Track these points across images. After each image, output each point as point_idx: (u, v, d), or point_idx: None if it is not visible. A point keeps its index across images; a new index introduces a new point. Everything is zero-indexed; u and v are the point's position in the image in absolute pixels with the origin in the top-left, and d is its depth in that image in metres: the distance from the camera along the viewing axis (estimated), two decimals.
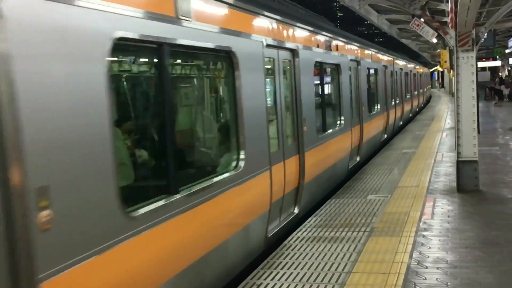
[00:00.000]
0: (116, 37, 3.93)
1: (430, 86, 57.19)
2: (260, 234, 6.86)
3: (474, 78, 9.87)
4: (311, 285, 5.64)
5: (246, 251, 6.41)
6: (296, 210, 8.29)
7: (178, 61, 5.87)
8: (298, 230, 7.77)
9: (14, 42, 3.05)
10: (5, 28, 2.99)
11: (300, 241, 7.19)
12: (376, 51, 16.78)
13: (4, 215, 2.98)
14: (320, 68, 10.17)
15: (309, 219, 8.37)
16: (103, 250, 3.66)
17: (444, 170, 11.96)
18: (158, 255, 4.42)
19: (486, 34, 18.45)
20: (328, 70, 11.05)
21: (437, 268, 5.99)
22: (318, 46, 9.87)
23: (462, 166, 9.81)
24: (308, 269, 6.10)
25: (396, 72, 21.26)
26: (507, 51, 38.72)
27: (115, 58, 4.51)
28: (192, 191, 5.04)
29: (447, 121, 24.13)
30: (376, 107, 16.30)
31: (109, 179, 3.77)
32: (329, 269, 6.06)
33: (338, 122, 11.34)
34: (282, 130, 7.76)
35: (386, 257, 6.36)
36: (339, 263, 6.23)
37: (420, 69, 36.98)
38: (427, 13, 13.38)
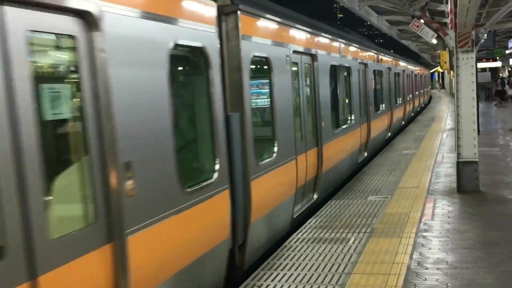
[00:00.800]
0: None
1: (430, 87, 57.25)
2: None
3: (474, 79, 9.87)
4: (311, 286, 5.65)
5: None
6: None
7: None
8: (298, 231, 7.79)
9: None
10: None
11: (300, 242, 7.20)
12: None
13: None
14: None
15: (310, 220, 8.39)
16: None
17: (445, 171, 11.97)
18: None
19: (486, 35, 18.49)
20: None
21: (437, 269, 5.99)
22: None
23: (462, 167, 9.82)
24: (309, 270, 6.11)
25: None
26: (507, 51, 38.73)
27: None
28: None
29: (448, 122, 24.14)
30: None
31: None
32: (329, 270, 6.07)
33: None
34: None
35: (386, 258, 6.37)
36: (339, 264, 6.24)
37: (421, 70, 37.00)
38: (427, 14, 13.38)
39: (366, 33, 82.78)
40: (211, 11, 5.73)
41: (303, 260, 6.47)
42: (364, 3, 17.19)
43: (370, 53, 15.40)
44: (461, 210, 8.62)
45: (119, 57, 4.05)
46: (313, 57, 9.50)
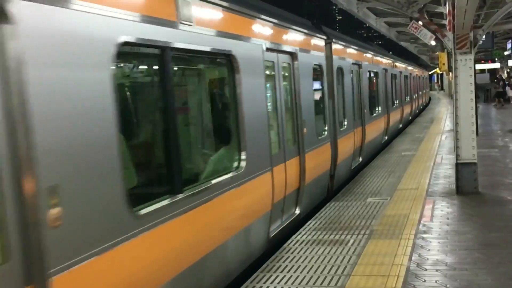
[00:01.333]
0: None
1: (429, 88, 57.32)
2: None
3: (472, 81, 9.89)
4: None
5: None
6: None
7: None
8: (298, 233, 7.79)
9: None
10: None
11: (299, 244, 7.20)
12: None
13: None
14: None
15: (309, 222, 8.39)
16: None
17: (444, 173, 11.98)
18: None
19: (484, 36, 18.51)
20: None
21: (437, 270, 6.00)
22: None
23: (461, 168, 9.83)
24: (308, 272, 6.11)
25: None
26: (506, 53, 38.78)
27: None
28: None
29: (447, 124, 24.16)
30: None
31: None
32: (328, 272, 6.07)
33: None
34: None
35: (385, 259, 6.38)
36: (339, 266, 6.25)
37: (419, 72, 37.05)
38: (425, 15, 13.41)
39: (365, 35, 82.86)
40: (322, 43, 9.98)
41: (302, 262, 6.47)
42: (362, 5, 17.22)
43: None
44: (460, 212, 8.63)
45: None
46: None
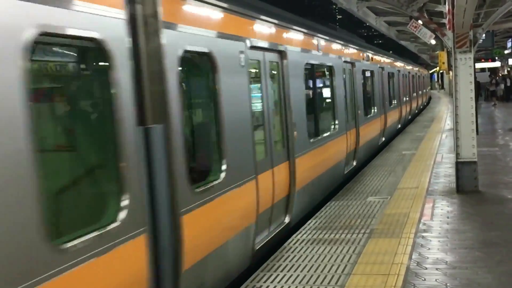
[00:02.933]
0: None
1: (429, 87, 57.29)
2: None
3: (472, 79, 9.89)
4: (311, 287, 5.65)
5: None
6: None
7: None
8: (298, 232, 7.80)
9: None
10: None
11: (300, 243, 7.21)
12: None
13: None
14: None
15: (309, 221, 8.39)
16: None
17: (444, 171, 11.98)
18: None
19: (484, 35, 18.49)
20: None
21: (437, 269, 6.00)
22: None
23: (461, 167, 9.83)
24: (308, 271, 6.12)
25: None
26: (506, 51, 38.74)
27: None
28: None
29: (447, 122, 24.15)
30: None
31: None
32: (328, 271, 6.08)
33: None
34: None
35: (385, 258, 6.38)
36: (339, 265, 6.25)
37: (419, 70, 37.04)
38: (425, 14, 13.41)
39: (365, 34, 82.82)
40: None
41: (302, 261, 6.48)
42: (362, 4, 17.21)
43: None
44: (460, 210, 8.64)
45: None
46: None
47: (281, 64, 8.14)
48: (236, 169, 6.10)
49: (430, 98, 49.99)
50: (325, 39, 10.86)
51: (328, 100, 11.25)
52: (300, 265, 6.36)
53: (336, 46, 11.85)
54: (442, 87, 73.65)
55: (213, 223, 5.55)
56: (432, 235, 7.27)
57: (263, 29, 7.47)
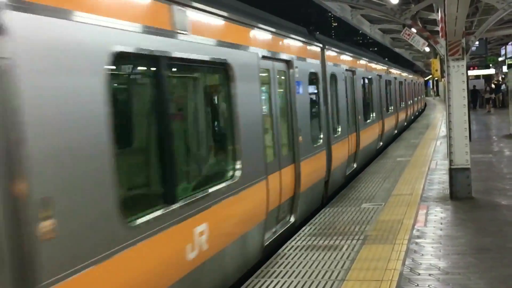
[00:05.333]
0: None
1: (425, 94, 57.54)
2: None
3: (465, 87, 9.98)
4: None
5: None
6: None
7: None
8: (292, 239, 7.83)
9: None
10: None
11: (294, 250, 7.25)
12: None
13: None
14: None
15: (304, 228, 8.43)
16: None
17: (438, 178, 12.05)
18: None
19: (477, 43, 18.62)
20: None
21: (430, 274, 6.05)
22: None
23: (454, 173, 9.89)
24: (302, 278, 6.16)
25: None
26: (500, 59, 38.97)
27: None
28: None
29: (442, 129, 24.25)
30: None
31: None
32: (322, 277, 6.12)
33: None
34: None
35: (379, 264, 6.42)
36: (333, 271, 6.29)
37: (414, 78, 37.23)
38: (418, 22, 13.53)
39: (360, 41, 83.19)
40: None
41: (296, 268, 6.51)
42: (356, 12, 17.33)
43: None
44: (453, 217, 8.69)
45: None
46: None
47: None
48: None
49: (425, 105, 50.18)
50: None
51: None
52: (294, 271, 6.40)
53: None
54: (437, 94, 73.96)
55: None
56: (425, 241, 7.32)
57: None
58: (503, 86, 35.91)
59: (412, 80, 34.05)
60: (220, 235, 5.79)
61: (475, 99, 36.50)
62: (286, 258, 6.91)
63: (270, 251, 7.43)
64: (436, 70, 20.89)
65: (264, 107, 7.53)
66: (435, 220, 8.41)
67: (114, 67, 4.09)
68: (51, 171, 3.34)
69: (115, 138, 3.96)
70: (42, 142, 3.29)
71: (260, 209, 6.97)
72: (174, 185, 4.95)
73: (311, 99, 10.00)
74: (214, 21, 6.04)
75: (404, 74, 29.54)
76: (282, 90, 8.50)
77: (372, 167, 14.27)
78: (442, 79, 23.92)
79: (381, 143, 18.43)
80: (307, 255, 6.98)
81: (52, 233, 3.31)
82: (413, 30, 13.47)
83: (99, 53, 3.88)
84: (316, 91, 10.42)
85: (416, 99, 35.94)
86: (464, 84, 9.92)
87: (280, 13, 11.14)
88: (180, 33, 5.14)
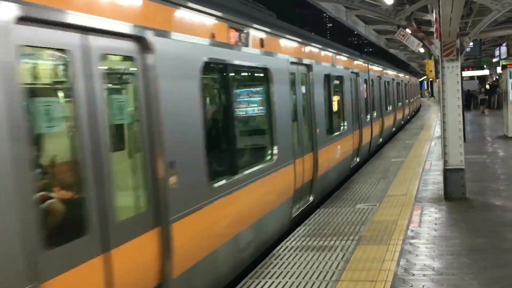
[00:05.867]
0: None
1: (419, 95, 57.70)
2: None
3: (459, 87, 10.00)
4: None
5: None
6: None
7: None
8: (287, 239, 7.83)
9: None
10: None
11: (288, 251, 7.24)
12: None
13: None
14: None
15: (298, 228, 8.43)
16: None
17: (432, 179, 12.07)
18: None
19: (472, 44, 18.66)
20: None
21: (424, 275, 6.05)
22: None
23: (449, 174, 9.91)
24: (296, 278, 6.15)
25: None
26: (494, 60, 39.08)
27: None
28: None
29: (436, 130, 24.29)
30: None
31: None
32: (317, 278, 6.12)
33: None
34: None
35: (373, 265, 6.43)
36: (327, 272, 6.29)
37: (410, 79, 37.36)
38: (413, 23, 13.54)
39: (355, 42, 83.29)
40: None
41: (291, 268, 6.51)
42: (351, 12, 17.35)
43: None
44: (448, 217, 8.71)
45: None
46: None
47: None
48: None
49: (420, 106, 50.31)
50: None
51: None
52: (288, 272, 6.39)
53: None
54: (432, 95, 74.11)
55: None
56: (420, 242, 7.32)
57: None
58: (498, 89, 36.02)
59: (408, 81, 34.36)
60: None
61: (469, 102, 36.58)
62: (281, 259, 6.90)
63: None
64: (431, 71, 20.96)
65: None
66: (429, 221, 8.42)
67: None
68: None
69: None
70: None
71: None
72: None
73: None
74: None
75: (400, 75, 29.91)
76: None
77: (366, 168, 14.29)
78: (437, 80, 24.02)
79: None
80: (301, 256, 6.97)
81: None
82: (408, 31, 13.49)
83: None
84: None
85: (412, 99, 36.24)
86: (458, 85, 9.94)
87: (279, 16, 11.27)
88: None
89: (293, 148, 8.73)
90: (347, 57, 13.82)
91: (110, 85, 4.40)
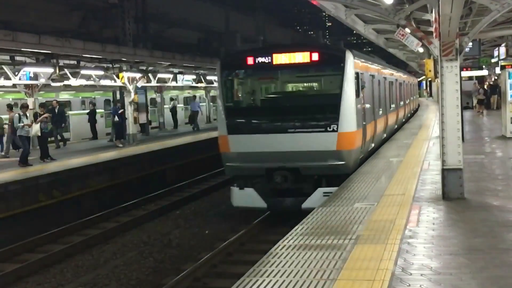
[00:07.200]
0: None
1: (418, 95, 57.82)
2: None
3: (458, 87, 9.99)
4: None
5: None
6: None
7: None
8: (284, 238, 7.82)
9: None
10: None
11: (286, 249, 7.24)
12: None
13: None
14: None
15: (296, 227, 8.42)
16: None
17: (431, 178, 12.07)
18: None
19: (471, 44, 18.67)
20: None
21: (421, 274, 6.05)
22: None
23: (447, 174, 9.91)
24: (294, 277, 6.14)
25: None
26: (493, 60, 39.06)
27: None
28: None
29: (435, 130, 24.29)
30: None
31: None
32: (314, 277, 6.11)
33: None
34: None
35: (371, 264, 6.42)
36: (324, 271, 6.28)
37: (410, 79, 37.48)
38: (412, 23, 13.53)
39: (354, 41, 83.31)
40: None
41: (288, 267, 6.50)
42: (350, 12, 17.33)
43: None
44: (446, 217, 8.71)
45: None
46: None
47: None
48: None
49: (418, 106, 50.37)
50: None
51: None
52: (286, 270, 6.38)
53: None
54: (431, 94, 74.18)
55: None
56: (417, 241, 7.32)
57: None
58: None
59: (409, 81, 34.86)
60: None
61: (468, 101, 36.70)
62: (278, 257, 6.89)
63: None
64: (430, 71, 21.00)
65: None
66: (427, 220, 8.42)
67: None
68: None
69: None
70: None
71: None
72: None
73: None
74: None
75: (402, 75, 30.73)
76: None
77: (364, 167, 14.28)
78: (436, 80, 24.21)
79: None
80: (299, 255, 6.97)
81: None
82: (407, 30, 13.48)
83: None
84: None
85: (411, 98, 36.53)
86: (457, 85, 9.93)
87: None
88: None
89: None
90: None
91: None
